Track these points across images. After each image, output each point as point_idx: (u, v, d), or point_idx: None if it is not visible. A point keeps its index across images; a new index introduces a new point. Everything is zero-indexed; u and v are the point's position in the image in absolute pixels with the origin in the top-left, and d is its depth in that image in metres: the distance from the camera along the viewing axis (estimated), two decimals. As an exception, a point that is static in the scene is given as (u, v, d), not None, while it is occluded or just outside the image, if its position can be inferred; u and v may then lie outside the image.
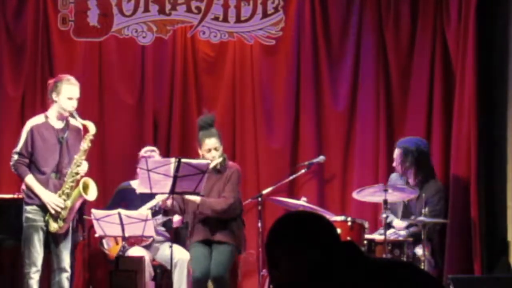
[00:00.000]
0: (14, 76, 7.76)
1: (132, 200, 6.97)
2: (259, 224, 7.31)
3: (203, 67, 7.93)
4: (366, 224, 6.91)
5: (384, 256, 6.56)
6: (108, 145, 7.78)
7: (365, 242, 6.79)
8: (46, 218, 6.30)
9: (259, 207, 7.37)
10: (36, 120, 6.41)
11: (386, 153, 7.63)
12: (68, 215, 6.32)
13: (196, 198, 6.39)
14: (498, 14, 7.51)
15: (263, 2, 7.90)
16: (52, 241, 6.34)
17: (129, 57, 7.91)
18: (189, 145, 7.67)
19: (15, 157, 6.33)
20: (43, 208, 6.29)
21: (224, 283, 6.52)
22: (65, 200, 6.31)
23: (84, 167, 6.39)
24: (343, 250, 2.47)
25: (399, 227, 7.05)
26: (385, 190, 6.71)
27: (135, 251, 6.96)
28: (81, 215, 6.72)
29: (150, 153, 7.21)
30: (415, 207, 7.03)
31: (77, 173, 6.35)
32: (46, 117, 6.40)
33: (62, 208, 6.27)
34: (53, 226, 6.29)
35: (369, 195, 6.89)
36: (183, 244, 7.19)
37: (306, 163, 7.61)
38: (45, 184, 6.32)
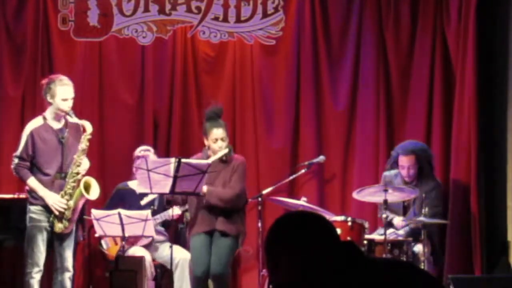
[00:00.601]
0: (14, 76, 7.76)
1: (130, 201, 6.97)
2: (259, 224, 7.31)
3: (203, 67, 7.93)
4: (366, 224, 6.92)
5: (384, 256, 6.56)
6: (108, 145, 7.78)
7: (365, 242, 6.79)
8: (51, 219, 6.30)
9: (259, 207, 7.37)
10: (35, 123, 6.40)
11: (386, 153, 7.64)
12: (72, 215, 6.33)
13: (203, 188, 6.37)
14: (498, 14, 7.51)
15: (263, 2, 7.90)
16: (56, 240, 6.35)
17: (129, 57, 7.91)
18: (189, 145, 7.68)
19: (16, 160, 6.33)
20: (48, 208, 6.29)
21: (224, 281, 6.50)
22: (68, 200, 6.31)
23: (85, 165, 6.38)
24: (343, 250, 2.47)
25: (399, 225, 7.04)
26: (385, 190, 6.71)
27: (135, 251, 6.96)
28: (81, 215, 6.72)
29: (144, 152, 7.21)
30: (413, 204, 7.03)
31: (77, 173, 6.35)
32: (44, 118, 6.39)
33: (65, 209, 6.28)
34: (58, 226, 6.30)
35: (369, 195, 6.89)
36: (183, 244, 7.19)
37: (306, 163, 7.61)
38: (50, 185, 6.32)
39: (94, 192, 6.42)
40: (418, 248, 6.81)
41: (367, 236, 6.86)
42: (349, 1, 7.83)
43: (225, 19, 7.90)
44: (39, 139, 6.31)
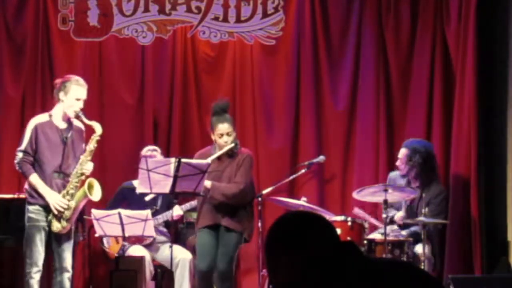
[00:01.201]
0: (14, 76, 7.76)
1: (134, 200, 6.97)
2: (259, 224, 7.31)
3: (203, 67, 7.93)
4: (366, 224, 6.92)
5: (384, 256, 6.56)
6: (108, 145, 7.76)
7: (365, 242, 6.79)
8: (49, 218, 6.29)
9: (259, 207, 7.37)
10: (40, 118, 6.39)
11: (386, 153, 7.64)
12: (71, 215, 6.32)
13: (207, 183, 6.35)
14: (498, 14, 7.51)
15: (263, 2, 7.90)
16: (54, 241, 6.33)
17: (129, 57, 7.91)
18: (189, 145, 7.68)
19: (20, 155, 6.30)
20: (46, 208, 6.29)
21: (228, 277, 6.48)
22: (69, 200, 6.30)
23: (89, 167, 6.38)
24: (343, 250, 2.47)
25: (399, 220, 7.03)
26: (385, 190, 6.71)
27: (135, 251, 6.97)
28: (81, 215, 6.71)
29: (151, 152, 7.21)
30: (416, 206, 7.04)
31: (82, 174, 6.34)
32: (50, 116, 6.38)
33: (65, 208, 6.27)
34: (56, 226, 6.29)
35: (369, 195, 6.90)
36: (183, 244, 7.20)
37: (306, 163, 7.61)
38: (48, 184, 6.31)
39: (97, 193, 6.41)
40: (418, 248, 6.81)
41: (367, 236, 6.86)
42: (349, 1, 7.83)
43: (225, 19, 7.91)
44: (42, 134, 6.30)
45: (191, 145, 7.67)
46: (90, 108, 7.53)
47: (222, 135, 6.42)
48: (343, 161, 7.83)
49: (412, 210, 7.10)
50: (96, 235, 6.86)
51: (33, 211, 6.31)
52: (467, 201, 7.31)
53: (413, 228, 7.01)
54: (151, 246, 7.11)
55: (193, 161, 6.30)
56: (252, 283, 7.62)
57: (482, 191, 7.36)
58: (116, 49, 7.89)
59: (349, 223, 6.78)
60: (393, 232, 6.92)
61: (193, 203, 6.97)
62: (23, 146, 6.30)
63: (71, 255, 6.40)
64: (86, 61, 7.84)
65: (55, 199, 6.26)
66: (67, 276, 6.36)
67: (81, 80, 6.41)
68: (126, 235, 6.61)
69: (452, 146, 7.50)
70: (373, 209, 7.47)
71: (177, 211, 7.05)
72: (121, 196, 7.23)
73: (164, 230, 7.27)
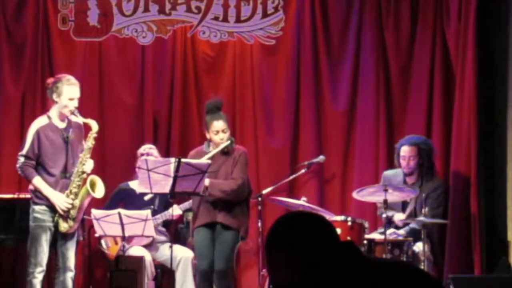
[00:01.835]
0: (14, 76, 7.76)
1: (131, 201, 6.97)
2: (259, 224, 7.31)
3: (203, 67, 7.93)
4: (366, 224, 6.92)
5: (384, 256, 6.56)
6: (108, 145, 7.77)
7: (365, 242, 6.79)
8: (56, 218, 6.29)
9: (259, 207, 7.37)
10: (40, 121, 6.39)
11: (386, 153, 7.64)
12: (77, 214, 6.33)
13: (205, 181, 6.36)
14: (498, 14, 7.51)
15: (263, 2, 7.90)
16: (60, 240, 6.34)
17: (129, 57, 7.91)
18: (189, 145, 7.67)
19: (22, 159, 6.31)
20: (52, 208, 6.29)
21: (227, 276, 6.49)
22: (73, 199, 6.31)
23: (89, 165, 6.39)
24: (343, 250, 2.47)
25: (399, 222, 7.04)
26: (385, 190, 6.71)
27: (135, 251, 6.96)
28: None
29: (149, 150, 7.21)
30: (414, 202, 7.04)
31: (83, 172, 6.35)
32: (49, 117, 6.39)
33: (71, 208, 6.27)
34: (63, 226, 6.29)
35: (369, 195, 6.90)
36: (183, 244, 7.19)
37: (306, 163, 7.61)
38: (55, 185, 6.31)
39: (100, 191, 6.43)
40: (418, 248, 6.81)
41: (367, 236, 6.86)
42: (349, 1, 7.83)
43: (225, 19, 7.91)
44: (45, 138, 6.31)
45: (191, 145, 7.66)
46: (90, 108, 7.55)
47: (217, 132, 6.44)
48: (343, 161, 7.83)
49: (407, 206, 7.11)
50: (96, 235, 6.86)
51: (39, 211, 6.31)
52: (467, 201, 7.31)
53: (412, 225, 7.01)
54: (150, 246, 7.11)
55: (193, 161, 6.31)
56: (252, 282, 7.62)
57: (482, 191, 7.35)
58: (116, 49, 7.89)
59: (349, 223, 6.77)
60: (390, 235, 6.91)
61: (191, 202, 6.97)
62: (24, 150, 6.30)
63: (74, 254, 6.42)
64: (86, 61, 7.84)
65: (60, 200, 6.27)
66: (70, 275, 6.37)
67: (72, 79, 6.40)
68: (126, 235, 6.61)
69: (452, 145, 7.50)
70: (373, 209, 7.48)
71: (176, 210, 7.05)
72: (118, 197, 7.23)
73: (163, 229, 7.26)
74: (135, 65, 7.89)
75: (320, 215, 2.56)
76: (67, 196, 6.30)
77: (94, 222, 6.65)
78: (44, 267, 6.31)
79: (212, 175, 6.39)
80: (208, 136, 6.53)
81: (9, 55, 7.76)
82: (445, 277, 6.94)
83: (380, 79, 7.75)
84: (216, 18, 7.90)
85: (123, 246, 6.75)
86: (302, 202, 7.02)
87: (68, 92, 6.32)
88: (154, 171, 6.17)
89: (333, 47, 7.85)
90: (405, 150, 7.12)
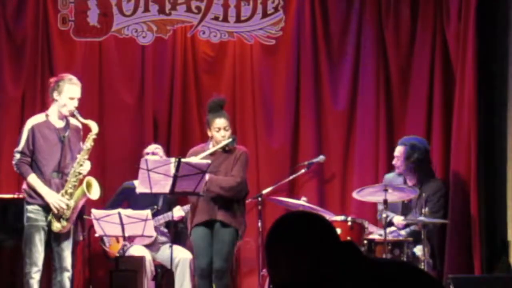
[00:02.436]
0: (14, 76, 7.76)
1: (135, 200, 6.97)
2: (259, 224, 7.31)
3: (203, 67, 7.93)
4: (366, 224, 6.92)
5: (384, 256, 6.56)
6: (108, 145, 7.77)
7: (365, 242, 6.79)
8: (49, 218, 6.29)
9: (259, 207, 7.38)
10: (36, 118, 6.39)
11: (386, 153, 7.64)
12: (71, 215, 6.32)
13: (205, 176, 6.37)
14: (498, 14, 7.51)
15: (263, 2, 7.90)
16: (54, 241, 6.34)
17: (129, 57, 7.91)
18: (189, 145, 7.66)
19: (17, 156, 6.31)
20: (45, 208, 6.29)
21: (226, 275, 6.48)
22: (68, 200, 6.30)
23: (86, 166, 6.38)
24: (343, 250, 2.47)
25: (399, 224, 7.04)
26: (385, 190, 6.71)
27: (135, 251, 6.96)
28: (81, 215, 6.72)
29: (155, 149, 7.22)
30: (415, 205, 7.04)
31: (80, 173, 6.35)
32: (47, 115, 6.39)
33: (65, 208, 6.27)
34: (56, 226, 6.29)
35: (369, 195, 6.89)
36: (183, 244, 7.19)
37: (306, 163, 7.61)
38: (47, 184, 6.31)
39: (95, 192, 6.42)
40: (418, 248, 6.81)
41: (367, 236, 6.86)
42: (349, 1, 7.83)
43: (225, 19, 7.91)
44: (40, 135, 6.31)
45: (191, 145, 7.64)
46: (90, 108, 7.55)
47: (219, 129, 6.45)
48: (343, 161, 7.83)
49: (408, 208, 7.11)
50: (96, 235, 6.86)
51: (32, 211, 6.31)
52: (467, 201, 7.31)
53: (412, 227, 7.02)
54: (152, 246, 7.11)
55: (193, 161, 6.31)
56: (252, 283, 7.61)
57: (482, 191, 7.35)
58: (116, 49, 7.89)
59: (349, 223, 6.77)
60: (391, 234, 6.92)
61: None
62: (20, 147, 6.30)
63: (70, 254, 6.40)
64: (86, 61, 7.84)
65: (54, 199, 6.26)
66: (67, 275, 6.36)
67: (74, 79, 6.41)
68: (126, 235, 6.61)
69: (452, 145, 7.50)
70: (373, 209, 7.47)
71: (178, 212, 7.05)
72: (122, 196, 7.23)
73: (165, 230, 7.27)
74: (135, 65, 7.89)
75: (320, 215, 2.56)
76: (62, 196, 6.29)
77: (94, 222, 6.65)
78: (40, 267, 6.30)
79: (213, 171, 6.39)
80: (210, 134, 6.53)
81: (9, 55, 7.76)
82: (445, 277, 6.94)
83: (380, 79, 7.75)
84: (216, 18, 7.90)
85: (124, 245, 6.74)
86: (302, 202, 7.02)
87: (69, 91, 6.33)
88: (154, 171, 6.18)
89: (333, 47, 7.85)
90: (396, 150, 7.17)
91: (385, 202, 6.69)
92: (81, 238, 6.99)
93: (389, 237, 6.78)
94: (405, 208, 7.15)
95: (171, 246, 6.63)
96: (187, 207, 7.05)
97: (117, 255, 6.72)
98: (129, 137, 7.83)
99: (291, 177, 7.61)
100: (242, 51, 7.92)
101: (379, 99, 7.75)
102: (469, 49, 7.35)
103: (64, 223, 6.30)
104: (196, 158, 6.36)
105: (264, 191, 7.41)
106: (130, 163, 7.29)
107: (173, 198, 6.99)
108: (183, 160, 6.22)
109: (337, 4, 7.83)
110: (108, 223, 6.62)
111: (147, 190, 6.29)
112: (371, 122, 7.77)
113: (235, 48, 7.92)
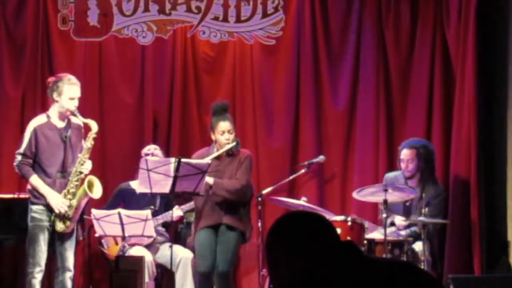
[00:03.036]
0: (14, 76, 7.76)
1: (131, 201, 6.97)
2: (259, 224, 7.30)
3: (203, 67, 7.93)
4: (366, 224, 6.91)
5: (384, 256, 6.56)
6: (108, 145, 7.78)
7: (365, 242, 6.79)
8: (52, 218, 6.29)
9: (259, 207, 7.37)
10: (38, 120, 6.40)
11: (386, 153, 7.64)
12: (74, 214, 6.33)
13: (209, 180, 6.37)
14: (498, 14, 7.51)
15: (263, 2, 7.90)
16: (57, 240, 6.34)
17: (129, 57, 7.91)
18: (189, 145, 7.68)
19: (19, 158, 6.32)
20: (49, 208, 6.29)
21: (227, 277, 6.48)
22: (70, 200, 6.31)
23: (88, 165, 6.39)
24: (343, 250, 2.47)
25: (400, 225, 7.04)
26: (385, 190, 6.71)
27: (135, 251, 6.96)
28: (81, 215, 6.72)
29: (153, 150, 7.22)
30: (415, 207, 7.04)
31: (81, 172, 6.35)
32: (48, 116, 6.39)
33: (68, 208, 6.27)
34: (60, 226, 6.30)
35: (369, 195, 6.89)
36: (183, 244, 7.19)
37: (306, 163, 7.61)
38: (52, 184, 6.32)
39: (97, 191, 6.43)
40: (417, 244, 6.81)
41: (367, 236, 6.86)
42: (349, 1, 7.83)
43: (225, 19, 7.91)
44: (42, 136, 6.31)
45: (191, 145, 7.68)
46: (90, 108, 7.55)
47: (223, 132, 6.46)
48: (343, 161, 7.83)
49: (409, 211, 7.10)
50: (96, 235, 6.86)
51: (37, 211, 6.31)
52: (467, 201, 7.31)
53: (413, 228, 7.02)
54: (151, 246, 7.11)
55: (193, 161, 6.32)
56: (252, 283, 7.61)
57: (482, 191, 7.35)
58: (116, 49, 7.89)
59: (349, 223, 6.77)
60: (392, 234, 6.92)
61: (192, 203, 6.97)
62: (22, 149, 6.30)
63: (73, 254, 6.41)
64: (86, 61, 7.84)
65: (56, 200, 6.27)
66: (69, 275, 6.37)
67: (73, 79, 6.41)
68: (126, 235, 6.61)
69: (452, 146, 7.50)
70: (373, 209, 7.47)
71: (177, 212, 7.05)
72: (118, 197, 7.23)
73: (162, 229, 7.26)
74: (135, 65, 7.89)
75: (320, 215, 2.56)
76: (65, 195, 6.30)
77: (94, 222, 6.66)
78: (42, 267, 6.31)
79: (217, 175, 6.39)
80: (213, 137, 6.54)
81: (9, 55, 7.76)
82: (445, 277, 6.94)
83: (380, 79, 7.75)
84: (216, 18, 7.90)
85: (123, 246, 6.74)
86: (302, 202, 7.02)
87: (68, 91, 6.33)
88: (154, 171, 6.18)
89: (333, 47, 7.85)
90: (404, 153, 7.14)
91: (385, 202, 6.69)
92: (81, 238, 7.00)
93: (389, 237, 6.78)
94: (407, 211, 7.13)
95: (171, 246, 6.63)
96: (185, 206, 7.06)
97: (117, 256, 6.71)
98: (129, 137, 7.83)
99: (291, 177, 7.61)
100: (242, 51, 7.92)
101: (379, 99, 7.75)
102: (469, 49, 7.35)
103: (68, 223, 6.31)
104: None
105: (264, 191, 7.41)
106: (130, 163, 7.30)
107: (170, 199, 6.99)
108: (183, 160, 6.22)
109: (337, 4, 7.83)
110: (108, 223, 6.62)
111: (147, 190, 6.29)
112: (371, 122, 7.77)
113: (235, 48, 7.92)
